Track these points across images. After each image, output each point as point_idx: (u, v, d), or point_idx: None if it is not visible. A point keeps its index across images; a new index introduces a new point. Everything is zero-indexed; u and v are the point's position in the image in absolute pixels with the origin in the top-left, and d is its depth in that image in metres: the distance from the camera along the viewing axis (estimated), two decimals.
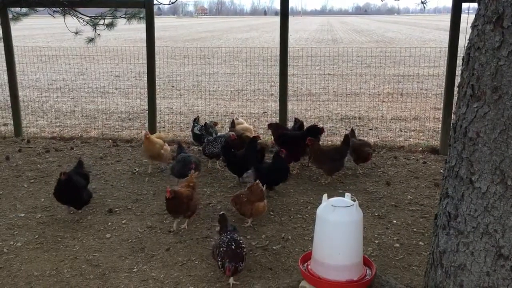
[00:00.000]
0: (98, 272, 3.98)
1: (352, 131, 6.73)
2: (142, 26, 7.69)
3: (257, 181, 4.83)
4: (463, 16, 6.52)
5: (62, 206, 5.29)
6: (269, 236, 4.61)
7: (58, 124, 9.51)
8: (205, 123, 6.98)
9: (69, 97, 12.48)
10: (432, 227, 3.13)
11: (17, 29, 9.23)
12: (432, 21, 76.88)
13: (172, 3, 7.86)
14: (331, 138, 8.20)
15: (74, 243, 4.47)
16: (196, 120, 7.30)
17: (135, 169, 6.53)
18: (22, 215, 5.08)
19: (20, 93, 8.69)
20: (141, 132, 8.80)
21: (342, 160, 5.97)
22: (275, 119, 8.43)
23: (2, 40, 7.79)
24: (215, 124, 7.23)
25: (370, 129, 9.01)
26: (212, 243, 4.16)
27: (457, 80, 3.14)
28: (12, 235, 4.63)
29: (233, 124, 7.25)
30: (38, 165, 6.68)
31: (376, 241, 4.49)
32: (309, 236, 4.51)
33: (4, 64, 8.11)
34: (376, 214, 5.08)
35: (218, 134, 6.88)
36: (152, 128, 7.90)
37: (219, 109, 10.85)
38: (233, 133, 6.46)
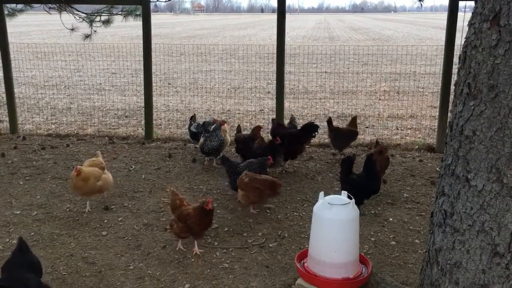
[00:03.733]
0: (94, 270, 3.97)
1: (377, 142, 6.29)
2: (138, 23, 7.67)
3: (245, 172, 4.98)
4: (460, 14, 6.53)
5: (58, 203, 5.29)
6: (266, 233, 4.61)
7: (54, 121, 9.48)
8: (204, 122, 6.94)
9: (65, 94, 12.43)
10: (428, 225, 3.13)
11: (12, 25, 9.18)
12: (428, 19, 76.97)
13: (169, 0, 7.83)
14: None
15: (70, 240, 4.46)
16: (192, 118, 7.28)
17: (131, 167, 6.52)
18: (18, 212, 5.07)
19: (15, 90, 8.65)
20: (137, 129, 8.78)
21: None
22: (272, 116, 8.43)
23: None
24: (215, 121, 7.02)
25: (367, 127, 9.02)
26: None
27: (454, 78, 3.15)
28: (7, 232, 4.62)
29: (238, 129, 7.15)
30: (34, 162, 6.65)
31: (372, 239, 4.50)
32: (306, 234, 4.51)
33: (0, 61, 8.07)
34: (372, 212, 5.09)
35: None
36: (149, 126, 7.89)
37: (215, 107, 10.84)
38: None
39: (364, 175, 4.97)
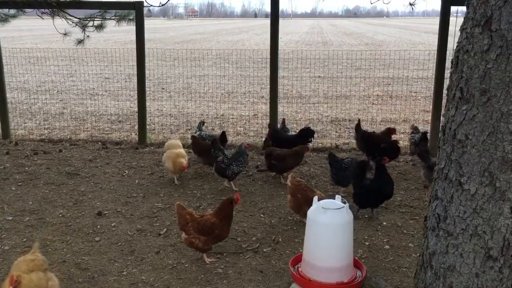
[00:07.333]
0: (87, 276, 3.94)
1: (427, 151, 5.91)
2: (132, 28, 7.66)
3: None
4: (452, 19, 6.58)
5: (50, 209, 5.25)
6: (260, 238, 4.60)
7: (46, 126, 9.42)
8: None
9: (58, 99, 12.37)
10: (422, 229, 3.14)
11: (4, 30, 9.13)
12: (421, 24, 77.49)
13: (163, 5, 7.80)
14: (322, 140, 8.22)
15: (63, 246, 4.43)
16: (199, 126, 7.14)
17: (125, 172, 6.49)
18: (10, 218, 5.02)
19: (8, 95, 8.60)
20: (130, 134, 8.74)
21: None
22: (266, 121, 8.43)
23: None
24: (247, 146, 6.13)
25: None
26: None
27: (446, 82, 3.17)
28: None
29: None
30: (26, 168, 6.61)
31: (366, 243, 4.50)
32: (300, 238, 4.51)
33: None
34: (366, 216, 5.10)
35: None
36: (142, 131, 7.86)
37: (209, 111, 10.83)
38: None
39: (377, 180, 4.99)
